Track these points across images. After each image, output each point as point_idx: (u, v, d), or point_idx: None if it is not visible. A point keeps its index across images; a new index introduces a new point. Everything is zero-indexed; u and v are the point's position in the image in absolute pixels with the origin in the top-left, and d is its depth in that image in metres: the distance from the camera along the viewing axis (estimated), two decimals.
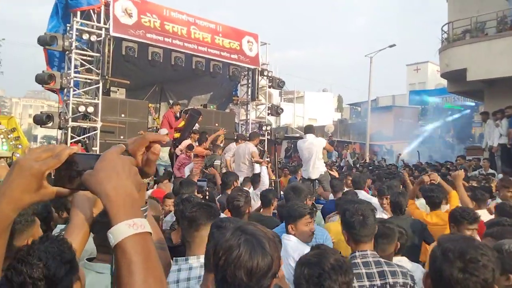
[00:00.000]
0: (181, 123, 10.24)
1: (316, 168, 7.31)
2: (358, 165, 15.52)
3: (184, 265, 2.15)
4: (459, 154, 14.28)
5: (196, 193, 4.42)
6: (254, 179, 5.81)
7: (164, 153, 9.68)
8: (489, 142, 11.77)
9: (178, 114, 10.58)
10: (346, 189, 5.83)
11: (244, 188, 4.94)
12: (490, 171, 10.03)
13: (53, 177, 0.99)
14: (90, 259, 2.01)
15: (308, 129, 7.83)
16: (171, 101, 12.94)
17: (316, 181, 7.46)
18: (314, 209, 3.29)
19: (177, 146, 9.63)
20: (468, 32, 14.63)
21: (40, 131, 49.27)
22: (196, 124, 10.14)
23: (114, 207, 0.85)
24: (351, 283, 1.64)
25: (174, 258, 2.27)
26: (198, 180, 4.95)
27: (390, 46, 21.47)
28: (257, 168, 7.11)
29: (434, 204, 4.18)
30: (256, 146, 8.08)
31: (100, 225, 1.83)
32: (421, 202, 4.98)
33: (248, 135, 8.85)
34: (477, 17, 14.37)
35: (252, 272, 1.23)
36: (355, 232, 2.34)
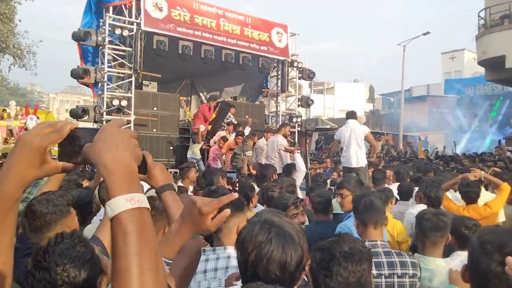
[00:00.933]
0: (212, 116, 10.36)
1: (357, 156, 6.83)
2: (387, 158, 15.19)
3: (211, 255, 2.16)
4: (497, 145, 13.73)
5: (225, 184, 4.46)
6: (288, 169, 5.75)
7: (196, 148, 9.84)
8: None
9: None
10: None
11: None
12: None
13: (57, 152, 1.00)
14: None
15: (350, 115, 7.38)
16: (201, 94, 13.11)
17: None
18: (298, 199, 3.18)
19: (209, 139, 9.75)
20: (506, 18, 14.01)
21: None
22: (231, 116, 10.21)
23: (113, 179, 0.84)
24: (365, 274, 1.58)
25: (211, 247, 2.29)
26: (227, 172, 4.93)
27: (424, 34, 20.81)
28: (287, 158, 7.07)
29: (470, 199, 4.05)
30: (285, 137, 7.96)
31: None
32: (453, 195, 4.87)
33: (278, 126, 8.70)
34: None
35: (286, 266, 1.21)
36: (361, 216, 2.48)
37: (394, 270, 2.25)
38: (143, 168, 1.35)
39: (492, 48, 14.39)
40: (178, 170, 8.02)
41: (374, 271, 2.16)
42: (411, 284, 2.26)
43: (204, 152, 9.92)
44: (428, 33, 20.74)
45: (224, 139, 9.10)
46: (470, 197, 4.05)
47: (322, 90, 32.71)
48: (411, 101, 30.90)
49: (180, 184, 5.48)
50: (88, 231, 2.68)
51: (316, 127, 16.85)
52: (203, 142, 9.82)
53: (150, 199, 1.83)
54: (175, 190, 1.46)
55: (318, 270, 1.61)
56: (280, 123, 12.55)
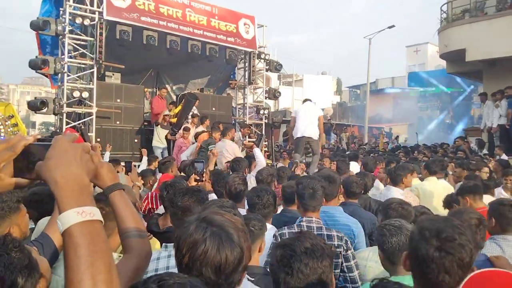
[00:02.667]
0: (178, 108, 10.18)
1: (311, 128, 7.45)
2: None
3: (163, 253, 2.11)
4: (458, 135, 14.26)
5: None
6: (248, 163, 5.75)
7: (162, 134, 9.67)
8: (488, 123, 11.73)
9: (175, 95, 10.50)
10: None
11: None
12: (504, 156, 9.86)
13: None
14: None
15: (307, 99, 8.07)
16: (167, 86, 12.86)
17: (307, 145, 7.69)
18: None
19: (175, 131, 9.59)
20: (467, 12, 14.42)
21: (38, 118, 49.16)
22: (194, 108, 10.08)
23: (63, 194, 0.86)
24: (326, 270, 1.57)
25: (164, 244, 2.24)
26: (194, 161, 4.73)
27: (389, 27, 21.25)
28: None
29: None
30: (233, 139, 7.79)
31: None
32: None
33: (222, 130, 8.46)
34: None
35: (221, 268, 1.13)
36: (304, 202, 2.77)
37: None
38: None
39: (453, 41, 14.80)
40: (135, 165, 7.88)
41: None
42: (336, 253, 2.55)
43: (169, 142, 9.77)
44: (393, 26, 21.19)
45: (186, 128, 8.96)
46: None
47: (291, 82, 32.88)
48: (377, 93, 31.61)
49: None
50: (41, 224, 2.59)
51: (284, 119, 16.92)
52: (170, 129, 9.66)
53: (99, 197, 1.76)
54: (123, 190, 1.41)
55: (278, 267, 1.59)
56: (248, 116, 12.53)
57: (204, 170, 4.18)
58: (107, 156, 7.92)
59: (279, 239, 2.65)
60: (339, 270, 2.58)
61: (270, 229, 2.92)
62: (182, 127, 9.14)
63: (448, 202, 4.15)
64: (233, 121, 10.74)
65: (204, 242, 1.14)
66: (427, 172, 5.48)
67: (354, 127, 24.65)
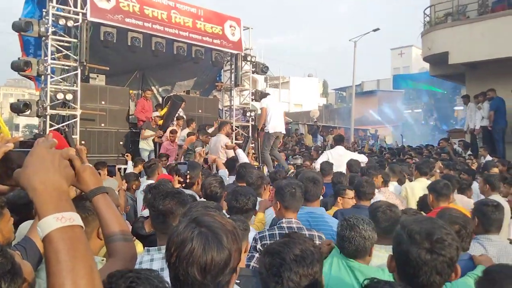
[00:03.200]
0: (163, 110, 10.12)
1: (282, 124, 8.13)
2: None
3: (156, 254, 2.10)
4: (442, 137, 14.46)
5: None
6: (231, 165, 5.74)
7: (149, 134, 9.61)
8: (471, 124, 11.93)
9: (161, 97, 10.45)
10: None
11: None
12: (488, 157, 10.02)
13: None
14: None
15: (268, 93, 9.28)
16: (153, 88, 12.79)
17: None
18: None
19: (162, 134, 9.54)
20: (450, 16, 14.66)
21: (21, 120, 48.27)
22: (181, 110, 10.04)
23: (41, 201, 0.87)
24: (317, 276, 1.56)
25: (146, 248, 2.23)
26: (178, 163, 4.77)
27: (374, 30, 21.47)
28: (230, 154, 7.06)
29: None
30: (228, 135, 8.06)
31: None
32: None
33: (218, 125, 8.77)
34: (459, 0, 14.40)
35: (206, 269, 1.12)
36: (285, 202, 2.81)
37: None
38: None
39: (437, 44, 15.00)
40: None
41: None
42: None
43: (155, 145, 9.70)
44: (378, 29, 21.43)
45: (173, 132, 8.94)
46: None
47: (277, 85, 32.99)
48: (362, 95, 31.91)
49: (150, 181, 5.29)
50: (23, 228, 2.55)
51: None
52: (157, 130, 9.61)
53: (80, 200, 1.74)
54: (107, 193, 1.40)
55: (267, 276, 1.56)
56: (234, 118, 12.52)
57: (188, 172, 4.15)
58: (130, 165, 7.79)
59: (259, 242, 2.66)
60: None
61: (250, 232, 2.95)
62: (168, 129, 9.09)
63: (422, 202, 4.22)
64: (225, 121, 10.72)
65: (191, 242, 1.14)
66: (417, 173, 5.61)
67: (340, 129, 24.82)
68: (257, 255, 2.61)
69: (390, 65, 42.81)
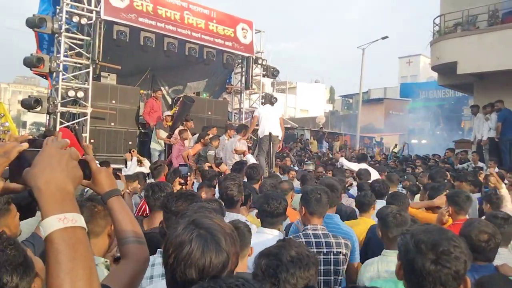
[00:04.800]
0: (173, 111, 10.15)
1: (276, 127, 8.01)
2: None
3: (158, 259, 2.08)
4: (448, 147, 14.40)
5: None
6: (239, 167, 5.76)
7: (163, 135, 9.61)
8: (478, 135, 11.87)
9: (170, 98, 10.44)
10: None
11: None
12: (479, 164, 10.13)
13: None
14: None
15: (268, 99, 8.87)
16: (162, 88, 12.85)
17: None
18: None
19: (170, 135, 9.56)
20: (459, 25, 14.65)
21: (29, 117, 48.53)
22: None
23: (45, 201, 0.88)
24: (312, 279, 1.55)
25: (158, 250, 2.22)
26: (180, 165, 4.84)
27: (383, 38, 21.49)
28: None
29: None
30: (246, 138, 8.08)
31: None
32: None
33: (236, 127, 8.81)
34: (469, 10, 14.39)
35: (204, 271, 1.11)
36: (310, 207, 2.80)
37: (331, 248, 2.66)
38: (87, 173, 1.33)
39: (445, 54, 14.99)
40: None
41: (314, 249, 2.58)
42: (343, 260, 2.68)
43: (166, 146, 9.72)
44: (386, 37, 21.45)
45: (180, 131, 8.95)
46: None
47: (284, 90, 33.05)
48: (369, 103, 31.89)
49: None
50: (29, 224, 2.57)
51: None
52: (168, 133, 9.61)
53: (92, 196, 1.76)
54: (121, 196, 1.43)
55: (263, 278, 1.55)
56: (244, 121, 12.52)
57: (189, 174, 4.21)
58: (134, 161, 7.77)
59: None
60: (342, 277, 2.68)
61: (278, 236, 2.90)
62: (178, 131, 9.08)
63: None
64: (225, 127, 10.74)
65: (190, 244, 1.13)
66: (431, 182, 5.62)
67: (346, 136, 24.80)
68: None
69: (397, 73, 42.83)
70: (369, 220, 3.86)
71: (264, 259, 1.58)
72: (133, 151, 8.49)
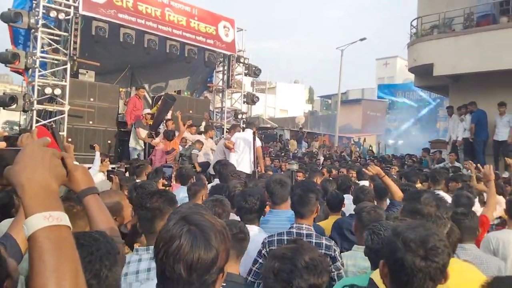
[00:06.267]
0: (153, 109, 9.99)
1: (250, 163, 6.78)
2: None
3: (145, 255, 2.12)
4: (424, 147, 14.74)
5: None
6: (204, 168, 5.75)
7: (143, 134, 9.43)
8: (453, 136, 12.18)
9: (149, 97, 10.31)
10: None
11: None
12: (456, 164, 10.38)
13: None
14: None
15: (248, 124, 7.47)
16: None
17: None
18: None
19: (152, 133, 9.40)
20: (436, 28, 14.98)
21: (2, 116, 46.81)
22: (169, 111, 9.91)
23: (28, 198, 0.86)
24: (323, 286, 1.54)
25: (135, 248, 2.25)
26: (163, 166, 4.85)
27: (361, 40, 21.84)
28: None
29: None
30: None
31: None
32: None
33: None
34: (445, 13, 14.74)
35: (193, 267, 1.11)
36: (295, 208, 2.80)
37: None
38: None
39: (422, 56, 15.27)
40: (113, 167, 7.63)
41: None
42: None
43: (145, 145, 9.55)
44: (364, 39, 21.80)
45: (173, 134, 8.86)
46: None
47: (264, 89, 33.13)
48: (347, 103, 32.34)
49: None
50: (3, 226, 2.49)
51: (260, 126, 16.99)
52: (148, 131, 9.44)
53: (69, 195, 1.72)
54: (98, 194, 1.41)
55: (275, 281, 1.52)
56: (226, 120, 12.44)
57: (173, 174, 4.19)
58: (97, 157, 7.58)
59: (267, 247, 2.63)
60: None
61: (259, 233, 2.91)
62: (165, 132, 8.91)
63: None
64: (210, 125, 10.67)
65: (179, 239, 1.13)
66: (405, 180, 5.72)
67: (325, 136, 25.06)
68: (261, 260, 2.58)
69: (375, 74, 43.66)
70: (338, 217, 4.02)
71: (277, 262, 1.56)
72: (95, 146, 8.29)
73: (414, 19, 16.37)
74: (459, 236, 2.69)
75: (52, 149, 0.98)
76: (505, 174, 8.66)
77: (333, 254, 2.61)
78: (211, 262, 1.13)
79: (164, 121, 9.67)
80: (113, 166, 8.69)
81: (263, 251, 2.63)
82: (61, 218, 0.86)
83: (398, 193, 3.67)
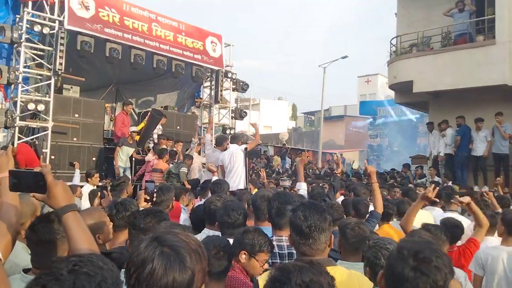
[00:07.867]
0: (141, 125, 9.86)
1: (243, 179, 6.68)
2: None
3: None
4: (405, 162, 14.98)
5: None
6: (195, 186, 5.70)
7: (126, 152, 9.27)
8: (433, 151, 12.39)
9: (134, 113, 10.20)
10: None
11: None
12: (436, 178, 10.54)
13: None
14: (26, 270, 1.75)
15: (232, 139, 7.16)
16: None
17: None
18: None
19: (139, 149, 9.26)
20: (415, 46, 15.43)
21: None
22: (159, 127, 9.78)
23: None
24: None
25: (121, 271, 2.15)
26: (146, 181, 4.77)
27: (343, 58, 22.29)
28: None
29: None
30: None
31: (29, 241, 1.72)
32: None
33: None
34: (424, 32, 15.22)
35: None
36: (272, 219, 2.86)
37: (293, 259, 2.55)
38: (42, 187, 1.27)
39: (402, 73, 15.64)
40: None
41: (278, 260, 2.67)
42: None
43: (132, 161, 9.37)
44: (346, 57, 22.29)
45: (173, 153, 8.76)
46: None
47: (248, 106, 33.23)
48: (330, 120, 32.71)
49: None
50: None
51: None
52: (135, 148, 9.28)
53: (48, 219, 1.72)
54: (78, 211, 1.37)
55: None
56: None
57: (155, 190, 4.09)
58: (77, 174, 7.36)
59: None
60: None
61: None
62: (157, 149, 8.76)
63: None
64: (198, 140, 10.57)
65: (152, 262, 1.07)
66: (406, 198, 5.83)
67: (309, 152, 25.19)
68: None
69: (357, 92, 44.46)
70: None
71: (278, 271, 1.45)
72: (75, 163, 8.20)
73: (394, 38, 16.84)
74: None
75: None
76: (484, 188, 8.83)
77: None
78: (187, 284, 1.07)
79: (155, 137, 9.55)
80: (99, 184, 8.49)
81: None
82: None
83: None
